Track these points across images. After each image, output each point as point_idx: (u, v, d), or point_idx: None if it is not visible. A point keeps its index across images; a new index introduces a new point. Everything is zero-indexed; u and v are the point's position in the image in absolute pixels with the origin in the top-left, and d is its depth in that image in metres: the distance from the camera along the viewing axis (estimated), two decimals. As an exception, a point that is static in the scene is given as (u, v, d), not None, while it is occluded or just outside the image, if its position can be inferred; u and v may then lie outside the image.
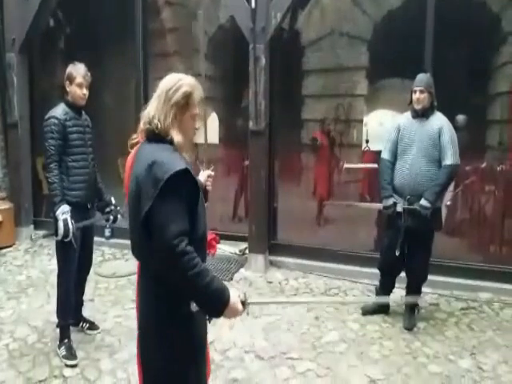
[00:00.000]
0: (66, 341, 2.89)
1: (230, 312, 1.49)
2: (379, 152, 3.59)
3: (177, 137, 1.54)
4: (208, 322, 1.62)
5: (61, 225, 2.72)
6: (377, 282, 3.65)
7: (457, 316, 3.56)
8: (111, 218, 3.12)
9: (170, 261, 1.41)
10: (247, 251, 4.63)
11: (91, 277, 3.35)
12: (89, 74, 2.92)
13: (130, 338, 3.07)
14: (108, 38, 6.37)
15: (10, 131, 5.26)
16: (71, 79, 2.86)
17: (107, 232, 5.05)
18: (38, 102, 5.48)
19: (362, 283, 4.10)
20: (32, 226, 5.40)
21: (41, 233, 5.25)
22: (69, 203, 2.78)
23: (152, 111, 1.55)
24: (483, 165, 5.36)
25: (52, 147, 2.77)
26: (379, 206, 3.50)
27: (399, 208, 3.27)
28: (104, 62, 6.27)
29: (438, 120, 3.24)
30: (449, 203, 5.21)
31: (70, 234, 2.75)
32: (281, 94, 4.75)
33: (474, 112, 5.59)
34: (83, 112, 3.00)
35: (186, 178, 1.45)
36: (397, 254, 3.28)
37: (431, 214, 3.18)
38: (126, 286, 4.06)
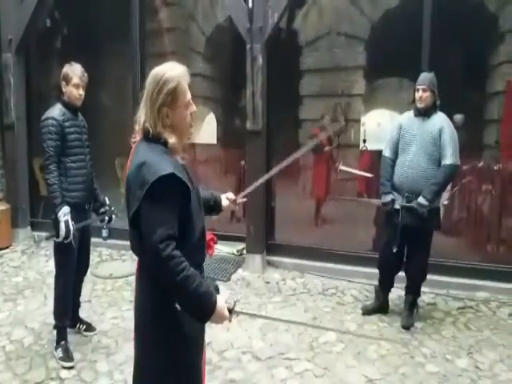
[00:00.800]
0: (62, 342, 2.88)
1: (216, 318, 1.49)
2: (377, 152, 3.60)
3: (170, 139, 1.52)
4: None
5: (62, 226, 2.71)
6: (374, 282, 3.65)
7: (454, 315, 3.56)
8: (106, 218, 3.11)
9: (156, 264, 1.42)
10: (245, 251, 4.62)
11: (88, 278, 3.34)
12: (85, 74, 2.91)
13: (127, 339, 3.06)
14: (105, 38, 6.37)
15: (7, 132, 5.24)
16: (67, 80, 2.85)
17: (104, 233, 5.03)
18: (35, 102, 5.46)
19: (360, 283, 4.10)
20: (29, 227, 5.37)
21: (43, 234, 5.23)
22: (68, 204, 2.78)
23: (143, 116, 1.53)
24: (480, 164, 5.37)
25: (51, 148, 2.75)
26: (379, 201, 3.50)
27: (397, 205, 3.28)
28: (101, 62, 6.26)
29: (440, 119, 3.25)
30: (446, 202, 5.22)
31: (71, 236, 2.75)
32: (278, 94, 4.75)
33: (472, 111, 5.60)
34: (79, 113, 2.99)
35: (172, 181, 1.43)
36: (394, 250, 3.29)
37: (429, 214, 3.18)
38: (123, 287, 4.05)
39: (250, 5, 4.11)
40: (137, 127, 1.58)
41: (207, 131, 5.95)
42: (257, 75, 4.26)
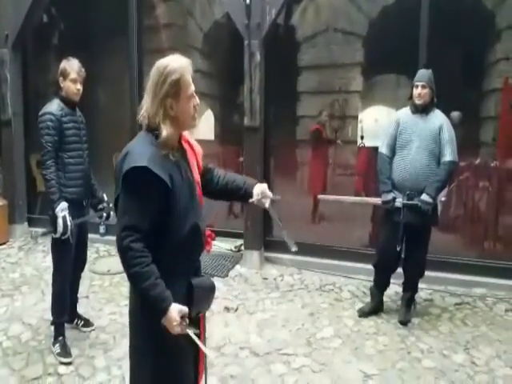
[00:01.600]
0: (60, 338, 2.88)
1: (167, 323, 1.47)
2: (374, 148, 3.59)
3: (165, 132, 1.49)
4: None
5: (60, 222, 2.71)
6: (372, 278, 3.65)
7: (451, 311, 3.58)
8: (104, 215, 3.10)
9: (118, 251, 1.47)
10: (242, 248, 4.63)
11: (86, 274, 3.34)
12: (83, 69, 2.89)
13: (125, 335, 3.06)
14: (102, 34, 6.34)
15: (4, 128, 5.21)
16: (65, 75, 2.83)
17: (102, 229, 5.03)
18: (32, 98, 5.44)
19: (357, 279, 4.11)
20: (26, 223, 5.36)
21: (40, 230, 5.21)
22: (65, 200, 2.76)
23: (144, 107, 1.54)
24: (477, 161, 5.39)
25: (49, 143, 2.74)
26: (372, 200, 3.50)
27: (398, 203, 3.26)
28: (98, 58, 6.22)
29: (439, 117, 3.25)
30: (443, 199, 5.24)
31: (69, 232, 2.74)
32: (276, 91, 4.75)
33: (469, 108, 5.61)
34: (77, 108, 2.97)
35: (145, 174, 1.42)
36: (398, 249, 3.28)
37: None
38: (121, 283, 4.04)
39: (248, 1, 4.11)
40: (140, 118, 1.58)
41: (205, 127, 5.95)
42: (254, 71, 4.26)
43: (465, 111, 5.40)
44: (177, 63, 1.52)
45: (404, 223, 3.24)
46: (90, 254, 4.15)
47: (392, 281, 3.54)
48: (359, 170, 5.91)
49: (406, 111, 3.36)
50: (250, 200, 1.80)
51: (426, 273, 3.50)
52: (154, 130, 1.52)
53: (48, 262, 4.37)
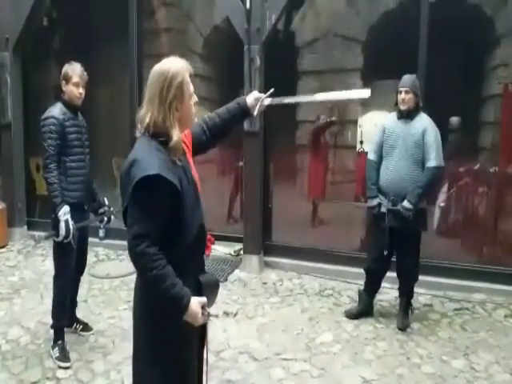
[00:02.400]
0: (59, 342, 2.87)
1: (190, 318, 1.51)
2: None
3: (176, 136, 1.51)
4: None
5: (62, 226, 2.71)
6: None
7: (450, 317, 3.58)
8: (105, 219, 3.11)
9: (132, 259, 1.48)
10: (242, 252, 4.62)
11: (85, 278, 3.33)
12: (85, 73, 2.90)
13: (124, 339, 3.06)
14: (102, 38, 6.35)
15: (4, 131, 5.22)
16: (67, 78, 2.84)
17: (101, 233, 5.03)
18: (32, 102, 5.44)
19: (357, 284, 4.09)
20: (25, 227, 5.36)
21: (43, 234, 5.18)
22: (67, 204, 2.76)
23: (149, 114, 1.52)
24: (476, 166, 5.40)
25: (51, 147, 2.74)
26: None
27: (383, 209, 3.29)
28: (98, 62, 6.24)
29: (423, 121, 3.25)
30: (442, 204, 5.26)
31: (71, 235, 2.74)
32: (275, 95, 4.75)
33: (468, 114, 5.63)
34: (79, 112, 2.98)
35: (156, 182, 1.43)
36: (385, 253, 3.31)
37: (415, 215, 3.18)
38: (120, 286, 4.04)
39: (248, 6, 4.12)
40: (139, 125, 1.58)
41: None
42: (254, 76, 4.27)
43: (464, 116, 5.43)
44: (177, 65, 1.55)
45: (389, 228, 3.26)
46: (90, 257, 4.11)
47: (389, 286, 3.54)
48: (358, 175, 5.92)
49: (392, 117, 3.38)
50: (253, 113, 1.90)
51: (426, 278, 3.51)
52: (158, 136, 1.53)
53: (47, 265, 4.38)
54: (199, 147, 1.81)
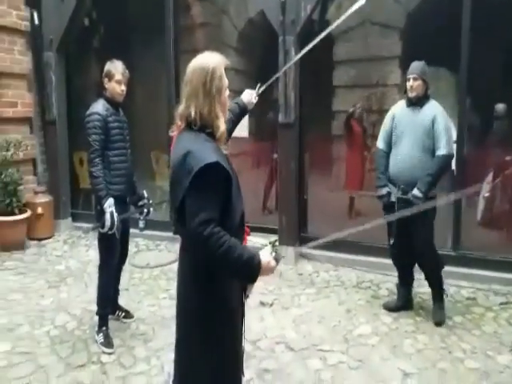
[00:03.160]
0: (104, 328, 2.99)
1: (265, 272, 1.57)
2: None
3: (221, 126, 1.59)
4: (245, 297, 1.75)
5: (108, 217, 2.81)
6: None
7: (495, 311, 3.44)
8: (145, 211, 3.21)
9: (199, 245, 1.51)
10: (277, 243, 4.63)
11: (126, 267, 3.44)
12: (127, 70, 2.98)
13: (164, 326, 3.15)
14: (140, 36, 6.49)
15: (49, 128, 5.46)
16: (110, 76, 2.93)
17: (141, 224, 5.13)
18: (75, 99, 5.66)
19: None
20: (70, 218, 5.60)
21: (91, 225, 5.40)
22: (111, 196, 2.86)
23: (193, 109, 1.57)
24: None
25: (96, 142, 2.83)
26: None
27: (393, 197, 3.22)
28: (136, 59, 6.40)
29: (432, 108, 3.14)
30: (487, 195, 5.04)
31: (115, 227, 2.84)
32: (311, 86, 4.71)
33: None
34: (120, 108, 3.06)
35: (216, 170, 1.49)
36: (391, 243, 3.27)
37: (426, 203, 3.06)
38: (159, 276, 4.15)
39: (283, -2, 4.09)
40: (179, 121, 1.64)
41: (239, 125, 5.98)
42: (289, 68, 4.24)
43: (510, 103, 5.16)
44: (216, 59, 1.61)
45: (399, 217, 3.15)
46: (130, 248, 4.26)
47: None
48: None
49: (401, 105, 3.29)
50: (249, 108, 2.31)
51: (469, 271, 3.38)
52: (205, 128, 1.59)
53: (91, 255, 4.56)
54: None
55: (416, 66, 3.21)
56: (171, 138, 1.83)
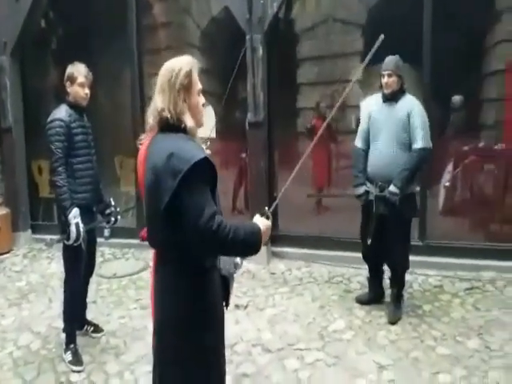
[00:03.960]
0: (71, 346, 2.84)
1: (266, 235, 1.63)
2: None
3: (190, 122, 1.57)
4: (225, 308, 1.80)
5: (73, 229, 2.68)
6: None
7: (461, 297, 3.55)
8: (112, 219, 3.08)
9: (208, 241, 1.48)
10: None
11: (92, 278, 3.30)
12: (90, 73, 2.85)
13: (136, 338, 3.06)
14: (101, 36, 6.26)
15: (5, 135, 5.18)
16: (72, 79, 2.79)
17: (106, 232, 4.97)
18: (32, 105, 5.40)
19: (366, 269, 4.06)
20: (30, 231, 5.35)
21: (55, 237, 5.17)
22: (76, 206, 2.73)
23: (160, 104, 1.56)
24: (481, 144, 5.34)
25: (59, 150, 2.69)
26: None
27: (371, 196, 3.19)
28: (97, 60, 6.17)
29: (408, 103, 3.13)
30: (447, 184, 5.20)
31: (81, 238, 2.72)
32: (278, 84, 4.69)
33: (470, 92, 5.54)
34: (84, 113, 2.93)
35: (205, 166, 1.49)
36: (368, 242, 3.23)
37: (403, 201, 3.07)
38: (129, 285, 4.03)
39: (249, -5, 4.05)
40: (151, 121, 1.61)
41: (206, 125, 5.89)
42: (257, 66, 4.22)
43: (466, 95, 5.34)
44: (186, 59, 1.62)
45: (377, 215, 3.17)
46: (96, 258, 4.13)
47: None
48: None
49: (376, 101, 3.25)
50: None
51: (435, 259, 3.45)
52: (178, 126, 1.56)
53: (53, 268, 4.37)
54: None
55: (390, 61, 3.15)
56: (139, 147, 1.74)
